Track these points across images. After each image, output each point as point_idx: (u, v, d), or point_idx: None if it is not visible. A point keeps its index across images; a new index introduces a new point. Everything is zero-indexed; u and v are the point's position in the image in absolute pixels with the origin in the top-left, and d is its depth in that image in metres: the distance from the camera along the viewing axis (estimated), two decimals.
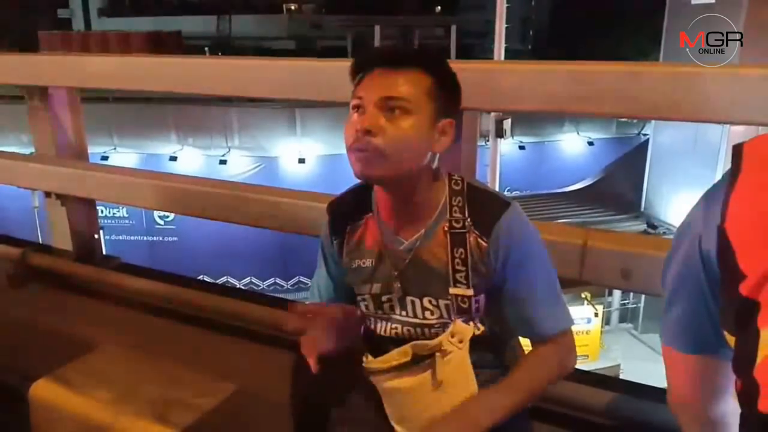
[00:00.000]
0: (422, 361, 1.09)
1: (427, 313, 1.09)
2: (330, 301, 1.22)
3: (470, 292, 1.04)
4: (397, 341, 1.12)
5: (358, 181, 1.13)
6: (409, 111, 0.98)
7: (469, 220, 1.04)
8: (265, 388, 1.64)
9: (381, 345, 1.15)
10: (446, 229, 1.04)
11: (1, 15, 16.99)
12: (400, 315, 1.11)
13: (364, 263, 1.12)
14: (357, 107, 1.00)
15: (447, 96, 1.02)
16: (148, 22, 18.45)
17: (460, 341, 1.06)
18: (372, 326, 1.16)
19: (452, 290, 1.05)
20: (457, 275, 1.04)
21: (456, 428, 1.04)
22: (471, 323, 1.07)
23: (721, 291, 0.68)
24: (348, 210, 1.14)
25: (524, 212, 1.07)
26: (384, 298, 1.11)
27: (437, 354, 1.07)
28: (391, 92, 0.98)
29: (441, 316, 1.08)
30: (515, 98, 1.57)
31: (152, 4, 20.76)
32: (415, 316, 1.10)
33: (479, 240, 1.03)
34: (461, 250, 1.03)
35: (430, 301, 1.08)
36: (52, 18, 20.66)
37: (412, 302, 1.09)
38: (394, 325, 1.12)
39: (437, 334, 1.08)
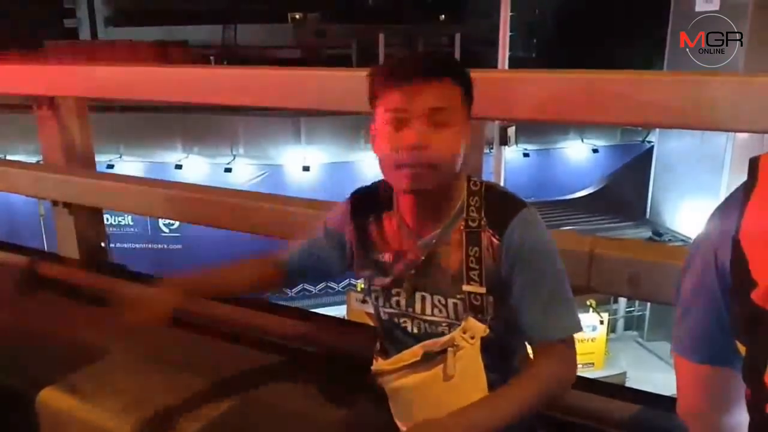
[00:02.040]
0: (432, 358, 1.09)
1: (436, 311, 1.10)
2: (299, 260, 1.26)
3: (483, 289, 1.06)
4: (407, 334, 1.14)
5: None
6: (451, 121, 1.00)
7: (484, 219, 1.05)
8: (272, 396, 1.64)
9: (390, 336, 1.17)
10: (462, 228, 1.06)
11: (9, 25, 17.14)
12: (407, 311, 1.13)
13: (382, 257, 1.14)
14: (396, 120, 1.00)
15: (471, 99, 1.06)
16: (154, 31, 18.58)
17: (472, 337, 1.07)
18: (383, 317, 1.18)
19: (465, 287, 1.06)
20: (471, 273, 1.05)
21: None
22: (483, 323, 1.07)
23: (734, 300, 0.69)
24: (370, 203, 1.16)
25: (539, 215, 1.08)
26: (394, 291, 1.14)
27: (450, 349, 1.08)
28: (437, 103, 0.99)
29: (448, 316, 1.09)
30: (521, 107, 1.57)
31: (158, 13, 20.90)
32: (423, 313, 1.11)
33: (492, 238, 1.05)
34: (476, 248, 1.05)
35: (439, 300, 1.09)
36: (59, 28, 20.84)
37: (423, 298, 1.11)
38: (403, 320, 1.14)
39: (443, 333, 1.10)
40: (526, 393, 1.06)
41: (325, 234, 1.24)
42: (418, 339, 1.13)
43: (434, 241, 1.08)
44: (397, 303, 1.14)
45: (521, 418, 1.05)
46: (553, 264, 1.07)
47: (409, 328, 1.13)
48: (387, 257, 1.13)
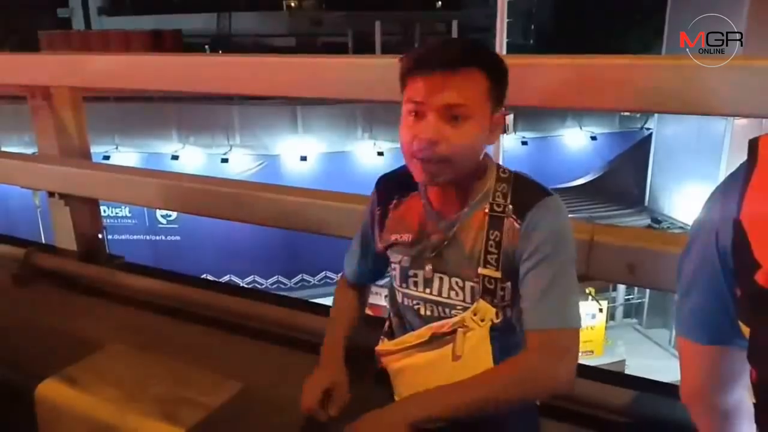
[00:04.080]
0: (440, 339, 1.09)
1: (452, 293, 1.10)
2: (358, 270, 1.30)
3: (498, 274, 1.06)
4: (418, 316, 1.14)
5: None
6: (470, 116, 0.99)
7: (510, 206, 1.05)
8: (271, 385, 1.64)
9: (402, 318, 1.18)
10: (486, 211, 1.06)
11: (1, 16, 16.99)
12: (423, 292, 1.13)
13: (401, 237, 1.14)
14: (415, 111, 1.00)
15: (501, 90, 1.03)
16: (147, 20, 18.43)
17: (482, 320, 1.07)
18: (397, 298, 1.18)
19: (481, 270, 1.06)
20: (489, 257, 1.05)
21: (383, 422, 1.00)
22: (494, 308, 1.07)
23: (737, 283, 0.69)
24: (395, 185, 1.17)
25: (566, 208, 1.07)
26: (411, 272, 1.14)
27: (459, 330, 1.08)
28: (454, 99, 0.97)
29: (464, 300, 1.09)
30: (518, 92, 1.55)
31: (152, 2, 20.73)
32: (440, 295, 1.11)
33: (515, 223, 1.04)
34: (497, 233, 1.05)
35: (457, 282, 1.09)
36: (52, 17, 20.65)
37: (440, 279, 1.11)
38: (416, 302, 1.14)
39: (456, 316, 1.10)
40: (496, 382, 1.01)
41: (363, 229, 1.26)
42: (427, 322, 1.12)
43: (457, 222, 1.08)
44: (414, 284, 1.13)
45: (491, 408, 1.00)
46: (562, 253, 1.04)
47: (422, 311, 1.13)
48: (407, 237, 1.13)
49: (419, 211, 1.13)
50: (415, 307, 1.14)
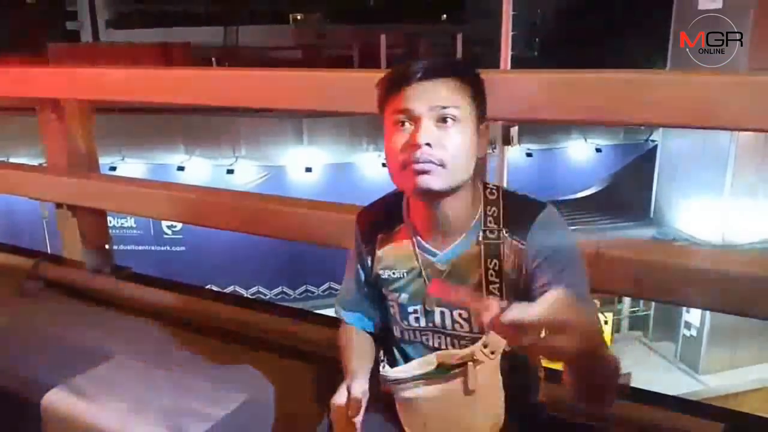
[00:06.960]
0: (448, 370, 1.07)
1: (457, 326, 1.08)
2: (353, 305, 1.22)
3: (505, 303, 1.02)
4: (427, 347, 1.11)
5: (384, 192, 1.15)
6: (459, 119, 0.98)
7: (504, 230, 1.02)
8: (275, 397, 1.64)
9: (405, 349, 1.14)
10: (480, 239, 1.03)
11: (11, 28, 17.19)
12: (427, 325, 1.10)
13: (394, 273, 1.11)
14: (402, 122, 0.99)
15: (482, 100, 1.04)
16: (155, 33, 18.62)
17: (492, 352, 1.04)
18: (396, 332, 1.15)
19: None
20: (491, 287, 1.03)
21: None
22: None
23: None
24: (379, 220, 1.14)
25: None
26: (411, 309, 1.11)
27: (470, 363, 1.05)
28: (444, 101, 0.97)
29: (471, 330, 1.06)
30: (525, 107, 1.57)
31: (160, 15, 20.94)
32: (444, 327, 1.09)
33: (518, 244, 1.01)
34: (495, 261, 1.02)
35: (461, 314, 1.06)
36: (61, 30, 20.89)
37: (442, 313, 1.08)
38: (423, 334, 1.11)
39: (465, 347, 1.07)
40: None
41: (354, 264, 1.21)
42: (437, 351, 1.10)
43: (453, 255, 1.05)
44: (416, 320, 1.11)
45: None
46: (577, 259, 1.03)
47: (430, 342, 1.11)
48: (402, 274, 1.10)
49: (410, 247, 1.09)
50: (423, 338, 1.12)
